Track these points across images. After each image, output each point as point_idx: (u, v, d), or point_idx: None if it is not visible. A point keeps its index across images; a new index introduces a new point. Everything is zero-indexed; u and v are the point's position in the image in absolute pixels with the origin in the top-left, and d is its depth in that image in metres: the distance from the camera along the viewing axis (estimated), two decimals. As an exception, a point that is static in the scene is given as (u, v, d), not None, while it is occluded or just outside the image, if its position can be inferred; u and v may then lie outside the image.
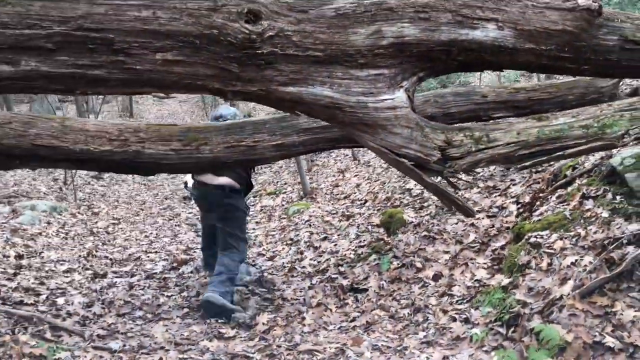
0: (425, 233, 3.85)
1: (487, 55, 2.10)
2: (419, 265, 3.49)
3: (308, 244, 4.75)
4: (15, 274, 4.01)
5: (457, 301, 2.94)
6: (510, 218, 3.60)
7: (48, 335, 2.83)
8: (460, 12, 1.98)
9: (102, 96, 19.12)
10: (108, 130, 3.10)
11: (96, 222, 6.74)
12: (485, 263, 3.28)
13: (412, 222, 4.13)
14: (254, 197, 7.93)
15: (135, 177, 11.65)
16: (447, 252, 3.53)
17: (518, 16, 2.06)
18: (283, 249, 4.92)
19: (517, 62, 2.21)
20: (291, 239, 5.13)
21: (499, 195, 4.00)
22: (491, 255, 3.35)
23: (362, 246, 4.24)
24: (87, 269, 4.49)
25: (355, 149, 6.84)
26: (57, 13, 1.64)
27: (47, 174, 10.43)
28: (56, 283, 3.96)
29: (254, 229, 6.05)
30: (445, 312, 2.86)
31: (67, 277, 4.23)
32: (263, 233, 5.64)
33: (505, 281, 2.77)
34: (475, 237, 3.56)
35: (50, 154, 2.97)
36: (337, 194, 6.57)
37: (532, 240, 2.88)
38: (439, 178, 2.18)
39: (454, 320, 2.72)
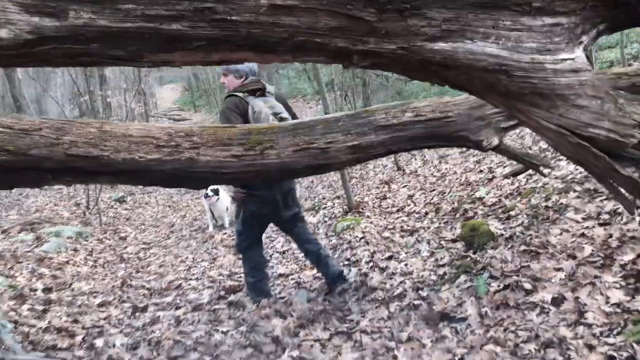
0: (524, 247, 3.24)
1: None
2: (527, 286, 2.87)
3: (371, 264, 4.16)
4: (44, 311, 3.48)
5: (601, 333, 2.32)
6: (633, 225, 2.99)
7: (91, 390, 2.28)
8: None
9: (106, 111, 18.74)
10: (155, 135, 2.57)
11: (125, 247, 6.23)
12: (616, 282, 2.66)
13: (502, 234, 3.52)
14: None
15: (159, 199, 11.19)
16: (559, 270, 2.91)
17: None
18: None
19: None
20: (348, 260, 4.54)
21: (605, 200, 3.39)
22: (621, 272, 2.72)
23: (442, 265, 3.63)
24: (124, 301, 3.95)
25: (406, 153, 6.25)
26: (121, -63, 1.11)
27: (69, 199, 10.02)
28: (92, 320, 3.42)
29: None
30: (591, 347, 2.24)
31: (102, 311, 3.69)
32: (312, 253, 5.04)
33: (672, 306, 2.15)
34: (593, 250, 2.94)
35: (88, 165, 2.44)
36: (387, 207, 5.98)
37: (694, 251, 2.27)
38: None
39: None
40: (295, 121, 2.83)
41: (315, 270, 4.41)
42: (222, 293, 4.02)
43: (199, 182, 2.65)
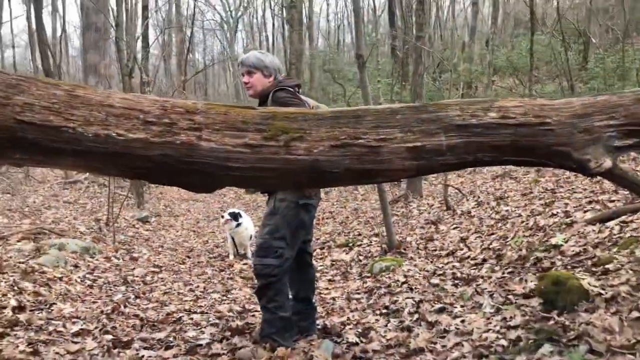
0: (637, 314, 2.34)
1: None
2: (652, 371, 1.98)
3: (417, 316, 3.29)
4: (1, 335, 2.77)
5: None
6: None
7: None
8: None
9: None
10: (144, 107, 1.87)
11: (133, 269, 5.54)
12: None
13: (601, 294, 2.63)
14: (320, 249, 6.56)
15: (185, 223, 10.59)
16: (701, 352, 2.01)
17: None
18: (377, 320, 3.46)
19: None
20: (386, 307, 3.68)
21: None
22: None
23: (513, 327, 2.74)
24: (107, 332, 3.20)
25: (460, 183, 5.41)
26: None
27: (91, 213, 9.53)
28: (56, 353, 2.68)
29: (327, 288, 4.64)
30: None
31: (75, 342, 2.95)
32: (342, 296, 4.22)
33: None
34: None
35: (45, 138, 1.75)
36: (435, 250, 5.11)
37: None
38: None
39: None
40: (335, 109, 2.09)
41: (345, 318, 3.58)
42: (228, 334, 3.22)
43: (197, 177, 1.92)
